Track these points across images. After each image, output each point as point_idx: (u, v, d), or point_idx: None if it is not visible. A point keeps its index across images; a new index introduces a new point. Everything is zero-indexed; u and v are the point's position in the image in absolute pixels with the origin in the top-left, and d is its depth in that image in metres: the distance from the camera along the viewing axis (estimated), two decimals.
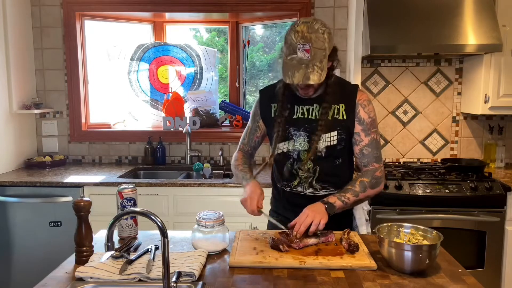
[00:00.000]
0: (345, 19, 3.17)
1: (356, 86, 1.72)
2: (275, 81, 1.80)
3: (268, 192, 1.91)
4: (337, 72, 3.05)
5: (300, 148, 1.68)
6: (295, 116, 1.69)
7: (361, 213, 1.84)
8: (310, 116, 1.67)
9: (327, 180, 1.70)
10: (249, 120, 1.86)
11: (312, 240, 1.53)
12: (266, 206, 1.75)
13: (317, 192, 1.71)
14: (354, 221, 1.83)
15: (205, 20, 3.64)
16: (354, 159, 1.76)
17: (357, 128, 1.65)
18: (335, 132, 1.65)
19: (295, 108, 1.69)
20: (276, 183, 1.83)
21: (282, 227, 1.58)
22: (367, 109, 1.65)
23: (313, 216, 1.51)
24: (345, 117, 1.65)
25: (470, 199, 2.54)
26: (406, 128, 3.24)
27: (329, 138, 1.64)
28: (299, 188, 1.73)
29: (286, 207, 1.78)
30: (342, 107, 1.65)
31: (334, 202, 1.57)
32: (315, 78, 1.50)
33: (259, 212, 1.61)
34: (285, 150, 1.70)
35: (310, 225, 1.50)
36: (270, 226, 1.79)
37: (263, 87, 1.84)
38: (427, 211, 2.56)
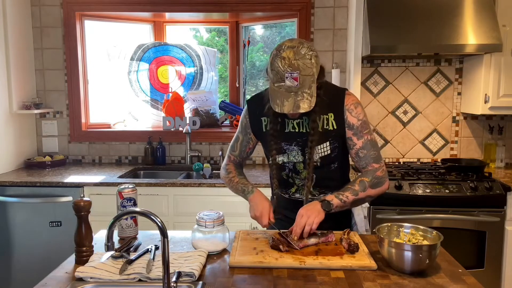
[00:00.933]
0: (345, 19, 3.17)
1: (343, 90, 1.67)
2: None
3: (269, 192, 1.91)
4: (337, 72, 3.07)
5: (295, 161, 1.68)
6: (286, 130, 1.67)
7: (360, 210, 1.84)
8: (301, 130, 1.65)
9: (324, 185, 1.70)
10: (239, 130, 1.81)
11: (312, 240, 1.53)
12: None
13: (315, 197, 1.71)
14: (352, 218, 1.83)
15: (205, 20, 3.64)
16: (350, 159, 1.76)
17: (348, 133, 1.64)
18: (328, 143, 1.64)
19: (286, 122, 1.67)
20: (275, 188, 1.83)
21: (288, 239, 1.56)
22: (354, 113, 1.62)
23: (307, 215, 1.51)
24: (335, 127, 1.63)
25: (470, 199, 2.54)
26: (406, 128, 3.24)
27: (323, 149, 1.64)
28: (297, 195, 1.74)
29: (286, 207, 1.78)
30: (331, 116, 1.63)
31: (331, 200, 1.56)
32: (305, 106, 1.48)
33: (270, 225, 1.64)
34: (280, 162, 1.70)
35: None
36: (271, 226, 1.79)
37: (251, 97, 1.80)
38: (427, 211, 2.56)
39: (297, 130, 1.66)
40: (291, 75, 1.46)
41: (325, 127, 1.63)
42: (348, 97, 1.64)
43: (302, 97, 1.48)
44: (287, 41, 1.51)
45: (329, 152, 1.64)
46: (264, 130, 1.71)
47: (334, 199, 1.57)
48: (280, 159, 1.69)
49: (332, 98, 1.63)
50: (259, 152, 3.32)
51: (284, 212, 1.77)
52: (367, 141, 1.63)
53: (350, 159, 1.75)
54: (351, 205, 1.65)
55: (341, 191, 1.61)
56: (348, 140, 1.65)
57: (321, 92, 1.59)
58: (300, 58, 1.46)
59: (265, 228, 1.72)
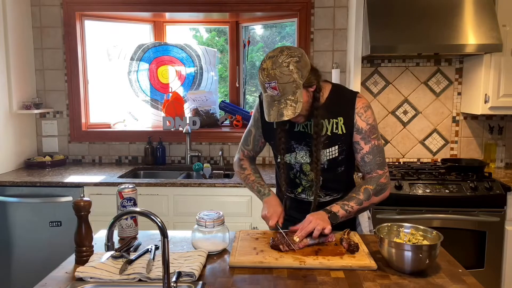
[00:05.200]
0: (345, 19, 3.17)
1: (354, 94, 1.66)
2: None
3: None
4: (337, 72, 3.07)
5: (302, 161, 1.68)
6: (296, 129, 1.67)
7: None
8: (309, 131, 1.65)
9: (330, 187, 1.71)
10: (251, 125, 1.83)
11: (312, 241, 1.53)
12: None
13: (321, 198, 1.71)
14: (356, 219, 1.83)
15: (205, 20, 3.64)
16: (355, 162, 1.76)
17: (356, 137, 1.63)
18: (336, 147, 1.64)
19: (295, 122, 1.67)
20: (281, 188, 1.83)
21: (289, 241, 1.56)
22: (364, 117, 1.62)
23: (316, 223, 1.51)
24: (344, 131, 1.63)
25: (470, 199, 2.54)
26: (406, 128, 3.24)
27: (330, 153, 1.64)
28: (303, 195, 1.74)
29: (291, 207, 1.78)
30: (340, 120, 1.63)
31: (338, 211, 1.57)
32: (289, 113, 1.48)
33: (276, 226, 1.66)
34: (287, 162, 1.71)
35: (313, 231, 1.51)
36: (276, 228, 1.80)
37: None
38: (427, 211, 2.56)
39: (306, 131, 1.66)
40: (269, 85, 1.48)
41: (334, 131, 1.63)
42: (359, 100, 1.63)
43: (285, 105, 1.48)
44: (271, 51, 1.53)
45: (336, 155, 1.65)
46: (275, 126, 1.71)
47: (340, 210, 1.57)
48: (288, 158, 1.70)
49: (342, 102, 1.63)
50: None
51: (289, 212, 1.77)
52: (374, 146, 1.63)
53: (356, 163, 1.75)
54: (355, 214, 1.66)
55: (346, 200, 1.60)
56: (355, 144, 1.65)
57: (331, 95, 1.61)
58: (277, 67, 1.46)
59: (265, 228, 1.73)
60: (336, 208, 1.57)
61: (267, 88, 1.49)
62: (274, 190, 1.86)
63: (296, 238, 1.50)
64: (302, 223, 1.54)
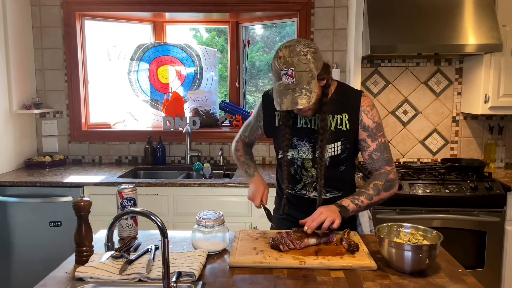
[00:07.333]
0: (345, 19, 3.17)
1: (359, 92, 1.69)
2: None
3: (272, 192, 1.92)
4: (337, 72, 3.07)
5: (304, 157, 1.68)
6: (298, 126, 1.68)
7: (364, 211, 1.84)
8: (313, 127, 1.66)
9: (331, 185, 1.71)
10: (253, 115, 1.86)
11: (313, 240, 1.53)
12: (271, 205, 1.83)
13: (321, 195, 1.71)
14: (357, 218, 1.83)
15: (205, 20, 3.64)
16: (358, 160, 1.77)
17: (363, 135, 1.64)
18: (339, 143, 1.64)
19: (298, 118, 1.68)
20: (281, 185, 1.84)
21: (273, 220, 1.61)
22: (370, 115, 1.63)
23: (327, 214, 1.51)
24: (348, 127, 1.64)
25: (470, 199, 2.54)
26: (406, 128, 3.24)
27: (333, 149, 1.65)
28: (303, 191, 1.75)
29: (290, 203, 1.79)
30: (345, 116, 1.64)
31: (348, 205, 1.57)
32: (303, 102, 1.48)
33: (261, 205, 1.74)
34: (289, 157, 1.71)
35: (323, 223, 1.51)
36: (274, 227, 1.81)
37: (266, 90, 1.81)
38: (427, 211, 2.56)
39: (309, 126, 1.66)
40: (286, 72, 1.48)
41: (338, 126, 1.64)
42: (364, 98, 1.65)
43: (300, 93, 1.48)
44: (286, 42, 1.54)
45: (339, 152, 1.65)
46: (277, 124, 1.73)
47: (350, 204, 1.57)
48: (290, 154, 1.70)
49: (347, 98, 1.65)
50: (259, 151, 3.32)
51: (288, 211, 1.77)
52: (380, 143, 1.64)
53: (357, 162, 1.76)
54: (364, 209, 1.66)
55: (356, 195, 1.61)
56: (361, 142, 1.66)
57: (336, 91, 1.63)
58: (295, 55, 1.47)
59: (265, 228, 1.73)
60: (346, 202, 1.58)
61: (283, 75, 1.48)
62: (273, 190, 1.87)
63: (307, 229, 1.50)
64: (312, 214, 1.54)
